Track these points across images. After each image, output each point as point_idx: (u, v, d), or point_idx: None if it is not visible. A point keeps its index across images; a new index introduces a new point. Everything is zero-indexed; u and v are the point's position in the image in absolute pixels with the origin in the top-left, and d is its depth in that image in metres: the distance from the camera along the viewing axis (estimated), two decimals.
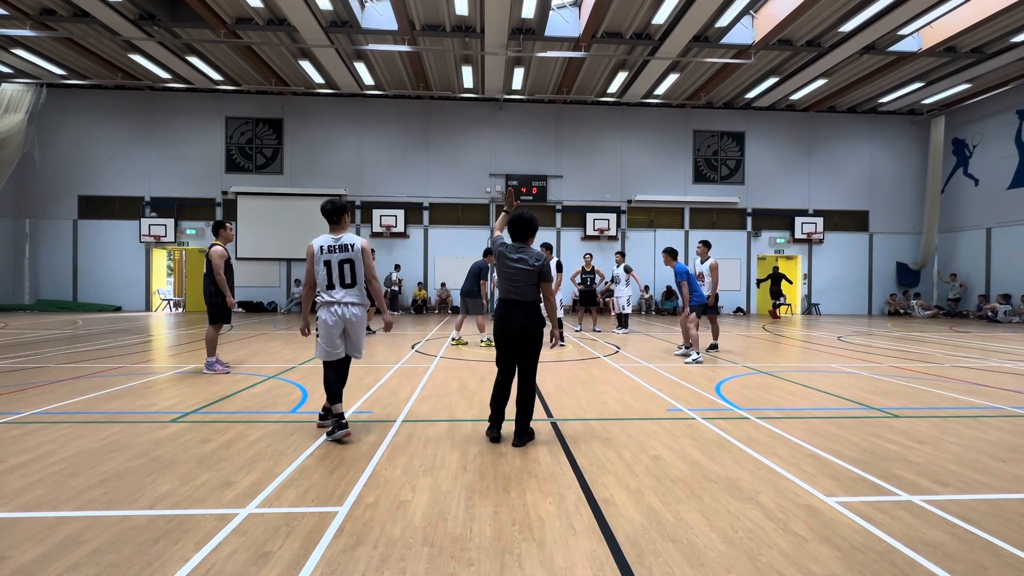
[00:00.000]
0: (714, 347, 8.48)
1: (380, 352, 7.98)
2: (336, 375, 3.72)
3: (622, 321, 11.37)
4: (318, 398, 4.88)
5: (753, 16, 13.37)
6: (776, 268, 16.44)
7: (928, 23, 12.63)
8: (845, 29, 12.86)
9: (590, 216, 18.28)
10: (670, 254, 7.87)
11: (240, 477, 2.92)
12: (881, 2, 11.49)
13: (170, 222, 17.29)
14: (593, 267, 11.65)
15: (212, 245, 6.09)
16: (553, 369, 6.61)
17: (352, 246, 3.72)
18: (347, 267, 3.70)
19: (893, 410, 4.59)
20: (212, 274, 6.04)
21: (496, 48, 13.59)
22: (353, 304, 3.73)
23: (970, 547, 2.20)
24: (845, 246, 19.23)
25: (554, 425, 4.06)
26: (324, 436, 3.62)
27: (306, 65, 15.06)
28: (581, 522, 2.43)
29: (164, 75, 15.78)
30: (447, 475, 3.00)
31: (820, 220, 18.77)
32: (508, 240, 3.71)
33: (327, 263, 3.69)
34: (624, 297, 11.35)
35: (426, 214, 18.34)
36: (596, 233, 18.21)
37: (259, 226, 17.63)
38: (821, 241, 18.93)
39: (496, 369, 3.75)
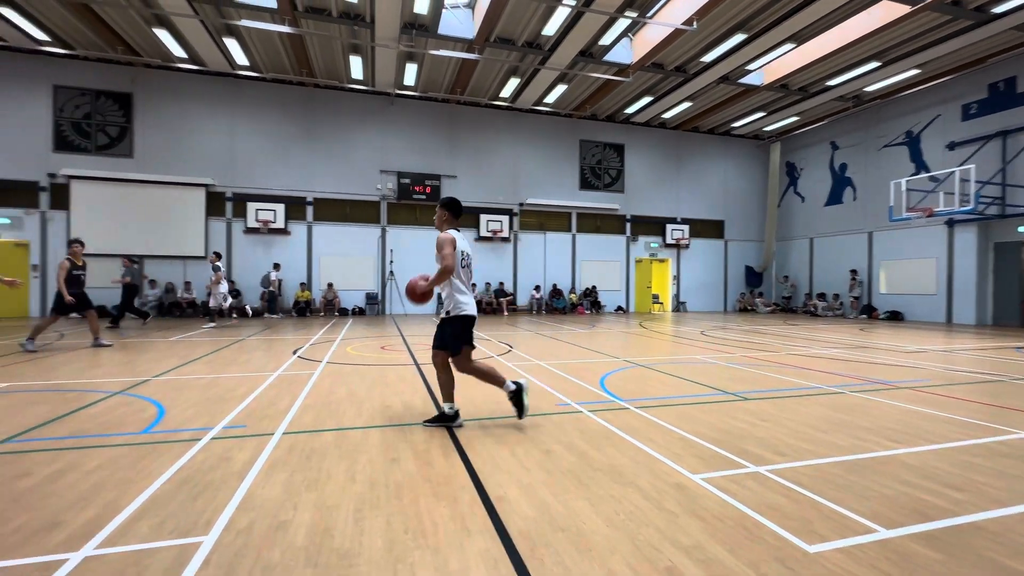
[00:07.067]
0: None
1: (256, 359, 7.26)
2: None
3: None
4: (177, 414, 4.29)
5: (631, 39, 14.58)
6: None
7: (767, 63, 14.89)
8: (706, 59, 14.63)
9: (484, 217, 18.50)
10: None
11: (72, 515, 2.45)
12: (732, 40, 13.33)
13: None
14: None
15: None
16: None
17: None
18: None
19: (743, 393, 5.30)
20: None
21: (387, 41, 13.14)
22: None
23: (800, 506, 2.61)
24: (706, 251, 21.83)
25: (447, 427, 4.02)
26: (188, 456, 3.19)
27: (163, 34, 13.22)
28: (475, 522, 2.43)
29: None
30: (334, 488, 2.81)
31: (687, 227, 21.09)
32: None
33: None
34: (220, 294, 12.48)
35: (310, 209, 17.12)
36: (490, 235, 18.48)
37: (100, 217, 15.05)
38: (687, 246, 21.27)
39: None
